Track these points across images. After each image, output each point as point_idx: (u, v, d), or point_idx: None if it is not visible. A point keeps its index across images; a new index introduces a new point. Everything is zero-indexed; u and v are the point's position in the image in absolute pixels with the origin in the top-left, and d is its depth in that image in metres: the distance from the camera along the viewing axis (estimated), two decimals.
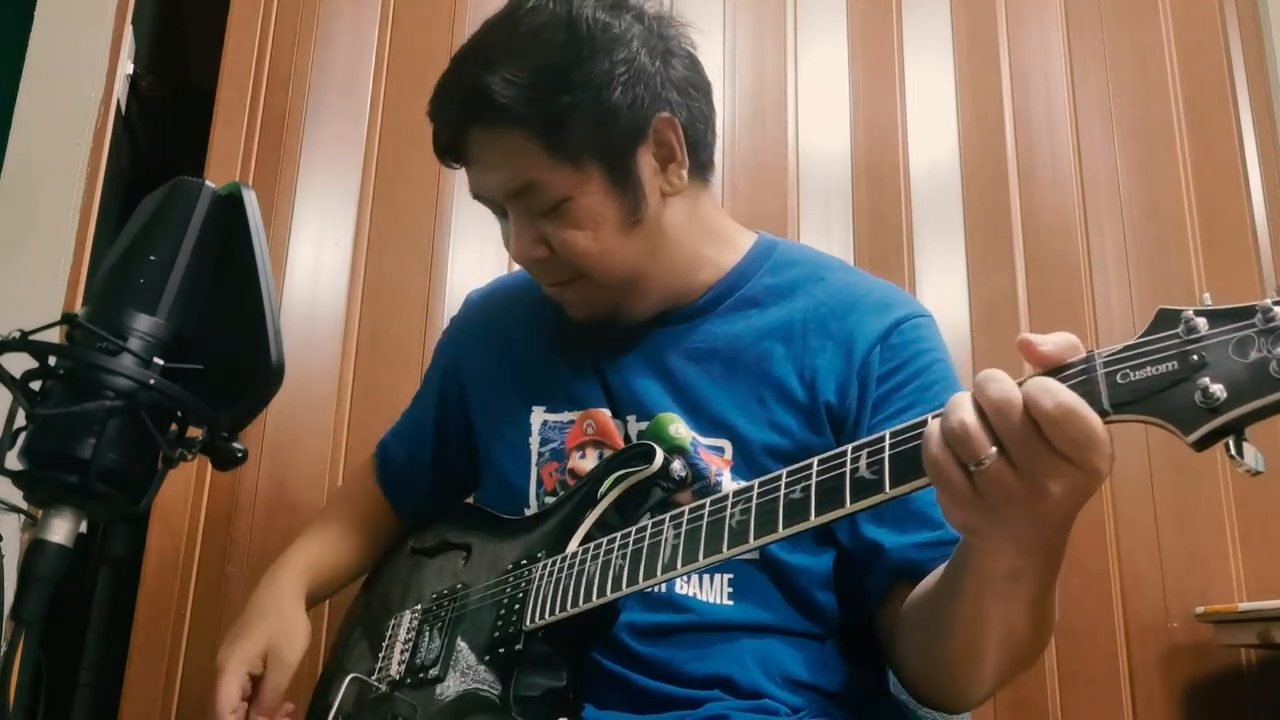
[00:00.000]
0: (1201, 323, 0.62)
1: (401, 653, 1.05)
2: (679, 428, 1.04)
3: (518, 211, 1.03)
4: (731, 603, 1.00)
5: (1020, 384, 0.66)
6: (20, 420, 0.67)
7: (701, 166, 1.09)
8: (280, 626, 1.09)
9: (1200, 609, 1.60)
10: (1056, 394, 0.64)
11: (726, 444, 1.03)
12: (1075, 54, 1.92)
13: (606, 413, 1.08)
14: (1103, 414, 0.64)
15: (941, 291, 1.78)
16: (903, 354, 1.03)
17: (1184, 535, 1.67)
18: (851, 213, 1.81)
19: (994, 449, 0.65)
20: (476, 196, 1.08)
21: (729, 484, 1.01)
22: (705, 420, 1.05)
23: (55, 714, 1.62)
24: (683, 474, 0.98)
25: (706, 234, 1.11)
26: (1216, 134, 1.88)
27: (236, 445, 0.73)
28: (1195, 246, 1.82)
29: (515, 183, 1.01)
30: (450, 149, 1.06)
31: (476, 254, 1.72)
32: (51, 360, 0.69)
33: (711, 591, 1.01)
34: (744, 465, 1.02)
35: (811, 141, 1.84)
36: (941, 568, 0.86)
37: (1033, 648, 0.85)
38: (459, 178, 1.78)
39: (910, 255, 1.79)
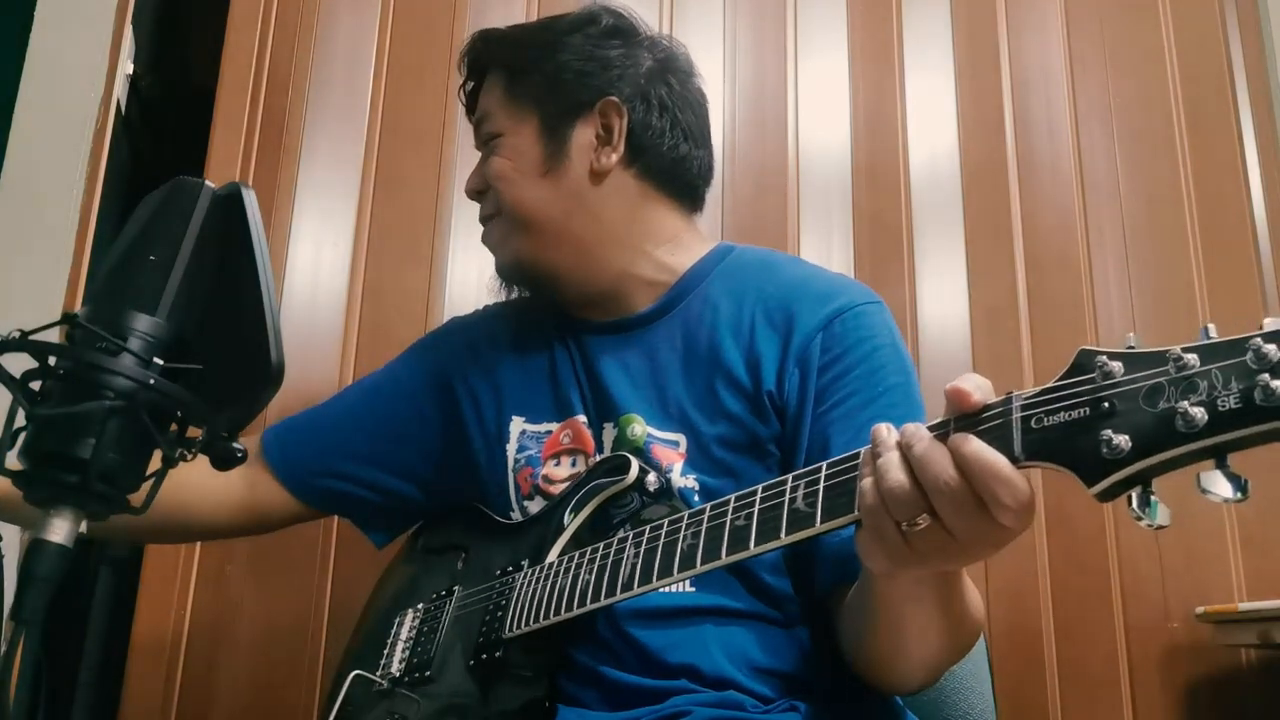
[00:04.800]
0: (1117, 367, 0.60)
1: (403, 651, 1.07)
2: (635, 427, 1.07)
3: (480, 148, 1.19)
4: (694, 589, 1.01)
5: (946, 440, 0.66)
6: (20, 420, 0.67)
7: (654, 174, 1.14)
8: None
9: (1200, 609, 1.60)
10: (1012, 483, 0.63)
11: (681, 438, 1.05)
12: (1075, 54, 1.92)
13: (582, 419, 1.11)
14: (1014, 460, 0.63)
15: (941, 292, 1.78)
16: (844, 342, 1.03)
17: (1184, 535, 1.66)
18: (851, 213, 1.81)
19: (927, 515, 0.66)
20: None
21: (678, 479, 1.03)
22: (664, 415, 1.07)
23: (55, 714, 1.62)
24: (657, 485, 1.00)
25: (656, 237, 1.14)
26: (1216, 134, 1.88)
27: (236, 445, 0.73)
28: (1195, 246, 1.82)
29: (480, 114, 1.18)
30: (469, 99, 1.23)
31: (476, 254, 1.71)
32: (51, 360, 0.68)
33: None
34: (698, 457, 1.04)
35: (811, 142, 1.84)
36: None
37: (958, 638, 0.87)
38: (459, 177, 1.79)
39: (910, 256, 1.79)
